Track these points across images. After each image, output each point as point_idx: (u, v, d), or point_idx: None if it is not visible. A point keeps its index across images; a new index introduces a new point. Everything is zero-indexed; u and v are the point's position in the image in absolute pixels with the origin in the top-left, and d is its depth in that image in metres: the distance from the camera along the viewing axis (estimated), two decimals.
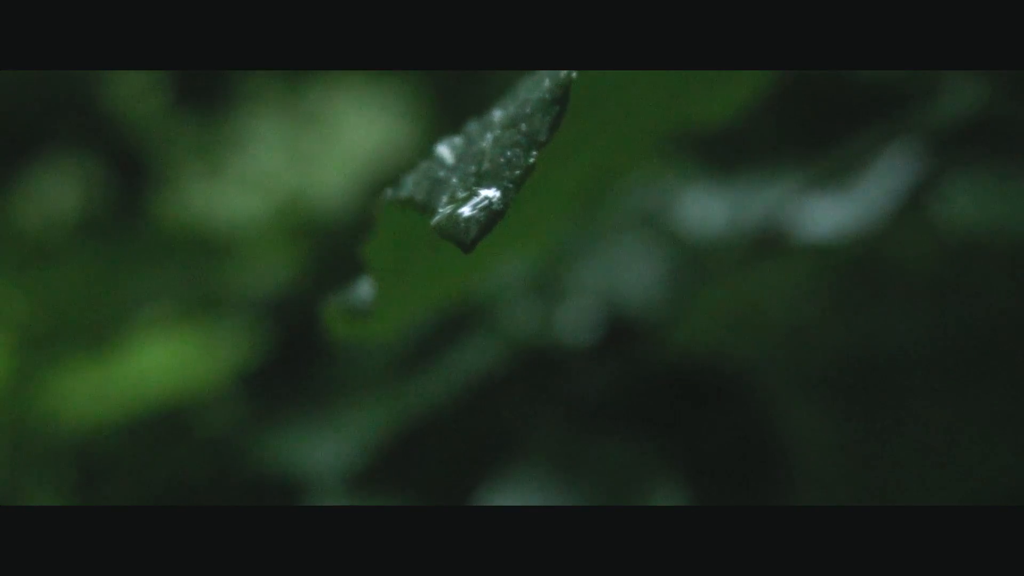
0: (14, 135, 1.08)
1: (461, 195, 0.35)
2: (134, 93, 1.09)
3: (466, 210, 0.35)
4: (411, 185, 0.38)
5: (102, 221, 1.08)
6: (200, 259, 1.00)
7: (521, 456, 0.71)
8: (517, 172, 0.35)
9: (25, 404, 0.93)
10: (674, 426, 0.71)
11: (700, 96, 0.54)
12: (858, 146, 0.68)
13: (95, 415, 0.91)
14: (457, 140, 0.40)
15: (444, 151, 0.39)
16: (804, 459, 0.70)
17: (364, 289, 0.47)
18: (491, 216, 0.34)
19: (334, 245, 0.91)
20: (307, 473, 0.79)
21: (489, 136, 0.37)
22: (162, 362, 0.93)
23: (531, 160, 0.35)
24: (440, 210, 0.35)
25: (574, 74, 0.36)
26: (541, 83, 0.36)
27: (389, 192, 0.39)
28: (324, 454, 0.79)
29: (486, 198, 0.35)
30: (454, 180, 0.37)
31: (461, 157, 0.38)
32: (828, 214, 0.66)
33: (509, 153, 0.35)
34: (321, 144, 1.12)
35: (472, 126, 0.40)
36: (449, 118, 1.04)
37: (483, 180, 0.35)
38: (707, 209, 0.72)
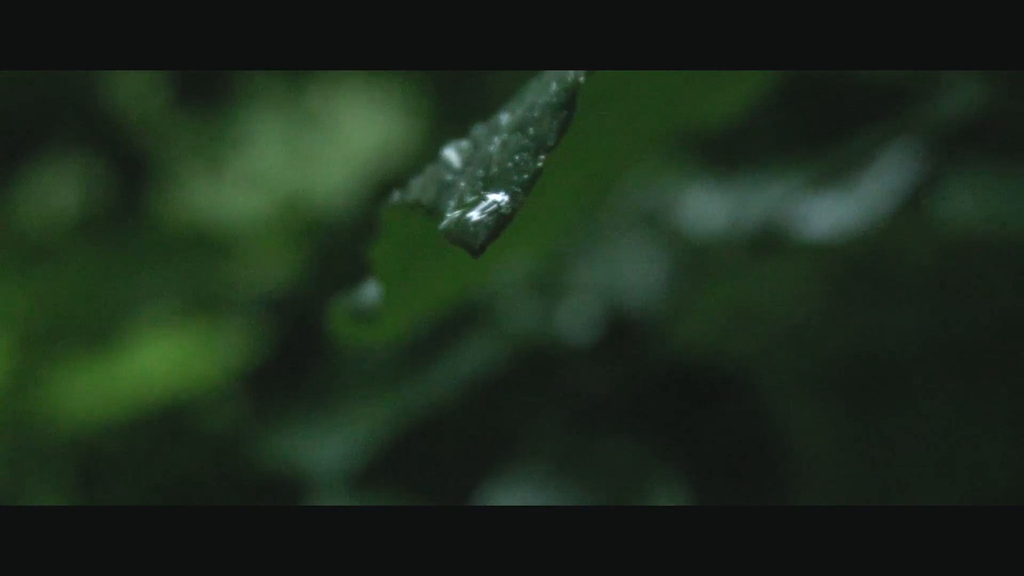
0: (15, 134, 1.08)
1: (469, 199, 0.35)
2: (135, 92, 1.09)
3: (474, 215, 0.35)
4: (418, 188, 0.39)
5: (103, 220, 1.08)
6: (201, 258, 1.00)
7: (522, 454, 0.71)
8: (525, 176, 0.35)
9: (26, 403, 0.93)
10: (675, 424, 0.71)
11: (701, 96, 0.54)
12: (858, 145, 0.68)
13: (96, 414, 0.91)
14: (464, 144, 0.40)
15: (451, 154, 0.39)
16: (805, 457, 0.70)
17: (369, 292, 0.48)
18: (500, 220, 0.34)
19: (335, 244, 0.92)
20: (308, 471, 0.79)
21: (496, 140, 0.37)
22: (163, 361, 0.93)
23: (539, 164, 0.35)
24: (448, 214, 0.36)
25: (582, 78, 0.36)
26: (548, 87, 0.36)
27: (396, 195, 0.40)
28: (325, 452, 0.79)
29: (494, 202, 0.35)
30: (462, 184, 0.37)
31: (468, 161, 0.38)
32: (829, 213, 0.66)
33: (517, 157, 0.35)
34: (322, 143, 1.12)
35: (479, 130, 0.40)
36: (450, 117, 1.04)
37: (491, 184, 0.35)
38: (708, 208, 0.72)
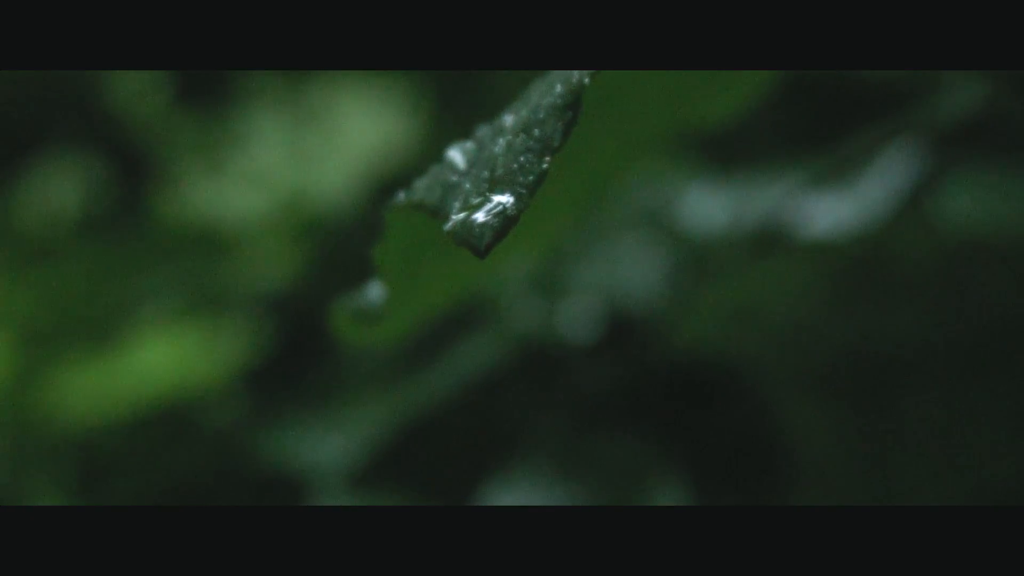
0: (16, 133, 1.08)
1: (474, 201, 0.35)
2: (136, 91, 1.09)
3: (480, 216, 0.35)
4: (422, 189, 0.39)
5: (104, 219, 1.08)
6: (202, 257, 1.00)
7: (523, 453, 0.71)
8: (531, 178, 0.35)
9: (28, 401, 0.93)
10: (676, 423, 0.71)
11: (702, 96, 0.54)
12: (859, 145, 0.68)
13: (98, 412, 0.91)
14: (469, 144, 0.40)
15: (456, 155, 0.39)
16: (806, 456, 0.70)
17: (372, 292, 0.48)
18: (505, 222, 0.34)
19: (336, 242, 0.92)
20: (310, 470, 0.79)
21: (501, 141, 0.37)
22: (164, 359, 0.93)
23: (544, 166, 0.35)
24: (453, 216, 0.36)
25: (587, 79, 0.36)
26: (553, 88, 0.36)
27: (401, 195, 0.40)
28: (327, 451, 0.79)
29: (500, 204, 0.35)
30: (467, 185, 0.37)
31: (473, 162, 0.38)
32: (829, 212, 0.66)
33: (522, 159, 0.35)
34: (322, 142, 1.12)
35: (483, 130, 0.40)
36: (450, 115, 1.04)
37: (496, 186, 0.35)
38: (709, 207, 0.72)
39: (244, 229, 1.06)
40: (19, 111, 1.07)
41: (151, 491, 0.85)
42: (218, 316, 0.95)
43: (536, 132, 0.36)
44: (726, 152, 0.73)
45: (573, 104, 0.36)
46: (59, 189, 1.10)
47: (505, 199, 0.35)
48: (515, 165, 0.35)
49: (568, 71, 0.37)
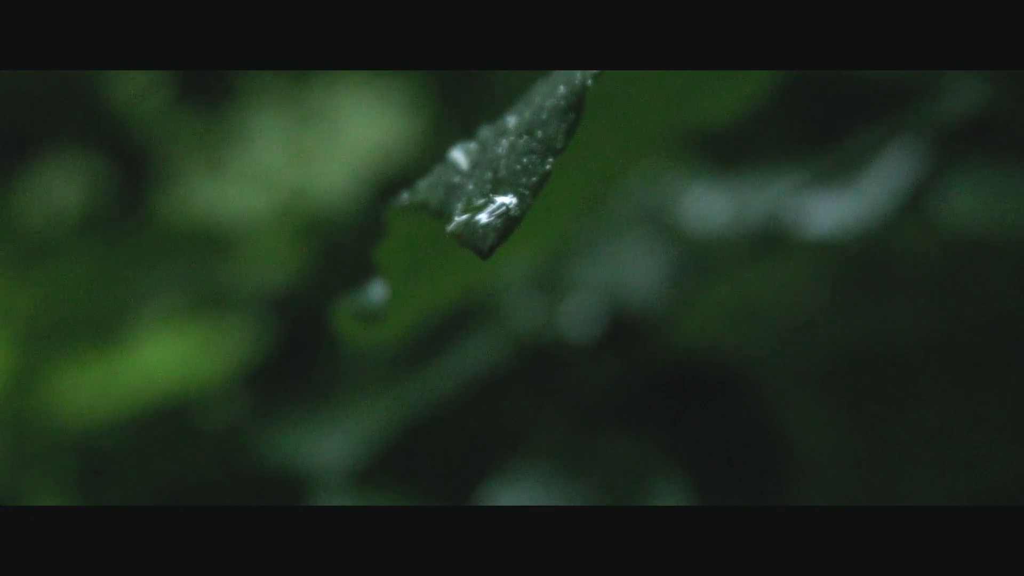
0: (17, 131, 1.08)
1: (478, 202, 0.35)
2: (137, 90, 1.09)
3: (483, 217, 0.35)
4: (425, 190, 0.39)
5: (105, 217, 1.08)
6: (203, 255, 1.00)
7: (525, 452, 0.71)
8: (534, 179, 0.35)
9: (29, 400, 0.94)
10: (677, 421, 0.71)
11: (704, 95, 0.54)
12: (860, 144, 0.68)
13: (99, 411, 0.91)
14: (472, 145, 0.40)
15: (458, 156, 0.40)
16: (807, 454, 0.70)
17: (374, 291, 0.48)
18: (508, 223, 0.34)
19: (337, 241, 0.92)
20: (311, 469, 0.79)
21: (504, 142, 0.37)
22: (166, 358, 0.93)
23: (547, 167, 0.35)
24: (456, 217, 0.36)
25: (590, 80, 0.36)
26: (556, 89, 0.36)
27: (404, 196, 0.40)
28: (328, 450, 0.79)
29: (503, 205, 0.35)
30: (470, 186, 0.37)
31: (476, 163, 0.38)
32: (830, 211, 0.66)
33: (525, 160, 0.35)
34: (323, 141, 1.12)
35: (486, 131, 0.40)
36: (451, 114, 1.04)
37: (499, 187, 0.35)
38: (710, 206, 0.72)
39: (245, 228, 1.06)
40: (20, 110, 1.07)
41: (152, 490, 0.85)
42: (219, 315, 0.95)
43: (539, 133, 0.36)
44: (727, 151, 0.73)
45: (576, 106, 0.36)
46: (60, 188, 1.10)
47: (508, 200, 0.35)
48: (518, 166, 0.36)
49: (571, 72, 0.37)
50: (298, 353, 0.86)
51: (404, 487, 0.75)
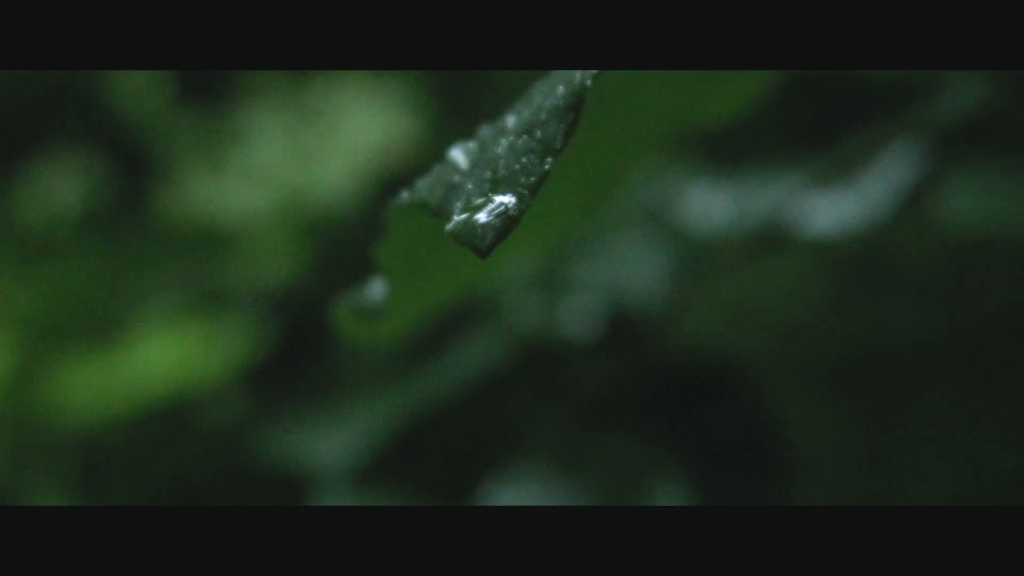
0: (17, 130, 1.08)
1: (477, 201, 0.36)
2: (137, 88, 1.09)
3: (482, 216, 0.35)
4: (425, 189, 0.39)
5: (105, 216, 1.08)
6: (204, 254, 1.00)
7: (525, 451, 0.71)
8: (532, 179, 0.35)
9: (29, 399, 0.94)
10: (677, 421, 0.71)
11: (703, 95, 0.54)
12: (860, 143, 0.68)
13: (99, 410, 0.91)
14: (471, 145, 0.40)
15: (458, 155, 0.40)
16: (807, 454, 0.70)
17: (374, 289, 0.48)
18: (507, 222, 0.35)
19: (338, 240, 0.92)
20: (312, 468, 0.79)
21: (503, 142, 0.37)
22: (166, 357, 0.93)
23: (546, 167, 0.35)
24: (455, 216, 0.36)
25: (589, 81, 0.36)
26: (555, 89, 0.36)
27: (404, 195, 0.40)
28: (329, 449, 0.79)
29: (502, 204, 0.35)
30: (469, 186, 0.37)
31: (475, 162, 0.38)
32: (830, 211, 0.66)
33: (524, 159, 0.36)
34: (324, 139, 1.12)
35: (485, 131, 0.40)
36: (452, 113, 1.04)
37: (498, 186, 0.36)
38: (710, 206, 0.72)
39: (246, 227, 1.06)
40: (20, 108, 1.07)
41: (152, 488, 0.85)
42: (220, 313, 0.95)
43: (538, 133, 0.36)
44: (728, 151, 0.73)
45: (575, 106, 0.36)
46: (61, 186, 1.10)
47: (507, 200, 0.35)
48: (517, 166, 0.36)
49: (570, 72, 0.37)
50: (298, 352, 0.86)
51: (404, 487, 0.75)
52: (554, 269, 0.77)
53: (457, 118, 1.02)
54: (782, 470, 0.69)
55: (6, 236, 1.06)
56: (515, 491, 0.69)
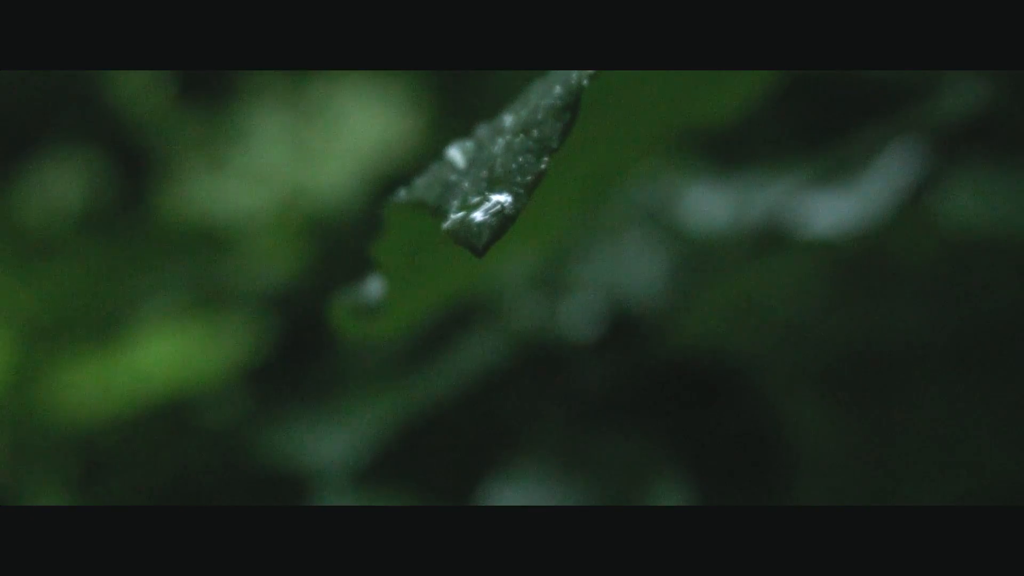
0: (17, 129, 1.08)
1: (473, 200, 0.36)
2: (137, 88, 1.09)
3: (478, 215, 0.35)
4: (422, 187, 0.39)
5: (105, 215, 1.08)
6: (204, 253, 1.00)
7: (525, 451, 0.71)
8: (529, 178, 0.35)
9: (28, 398, 0.94)
10: (677, 421, 0.71)
11: (703, 95, 0.54)
12: (860, 143, 0.68)
13: (99, 409, 0.91)
14: (468, 144, 0.40)
15: (455, 154, 0.40)
16: (808, 453, 0.70)
17: (373, 288, 0.48)
18: (503, 221, 0.35)
19: (338, 240, 0.92)
20: (312, 467, 0.79)
21: (500, 141, 0.37)
22: (166, 356, 0.93)
23: (542, 166, 0.35)
24: (452, 215, 0.36)
25: (585, 80, 0.36)
26: (552, 88, 0.37)
27: (401, 193, 0.40)
28: (329, 448, 0.79)
29: (498, 203, 0.35)
30: (466, 184, 0.37)
31: (472, 161, 0.38)
32: (831, 211, 0.66)
33: (521, 159, 0.36)
34: (324, 139, 1.12)
35: (483, 130, 0.40)
36: (452, 113, 1.04)
37: (495, 185, 0.36)
38: (710, 205, 0.72)
39: (245, 226, 1.06)
40: (20, 107, 1.07)
41: (152, 488, 0.85)
42: (220, 313, 0.95)
43: (535, 133, 0.36)
44: (727, 150, 0.74)
45: (571, 105, 0.36)
46: (60, 186, 1.10)
47: (503, 199, 0.35)
48: (513, 165, 0.36)
49: (567, 72, 0.37)
50: (299, 351, 0.86)
51: (404, 486, 0.75)
52: (554, 269, 0.77)
53: (457, 118, 1.02)
54: (782, 470, 0.69)
55: (6, 236, 1.06)
56: (515, 491, 0.69)
